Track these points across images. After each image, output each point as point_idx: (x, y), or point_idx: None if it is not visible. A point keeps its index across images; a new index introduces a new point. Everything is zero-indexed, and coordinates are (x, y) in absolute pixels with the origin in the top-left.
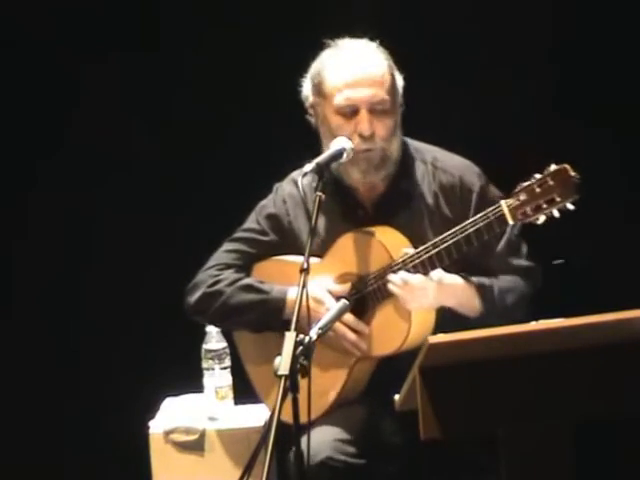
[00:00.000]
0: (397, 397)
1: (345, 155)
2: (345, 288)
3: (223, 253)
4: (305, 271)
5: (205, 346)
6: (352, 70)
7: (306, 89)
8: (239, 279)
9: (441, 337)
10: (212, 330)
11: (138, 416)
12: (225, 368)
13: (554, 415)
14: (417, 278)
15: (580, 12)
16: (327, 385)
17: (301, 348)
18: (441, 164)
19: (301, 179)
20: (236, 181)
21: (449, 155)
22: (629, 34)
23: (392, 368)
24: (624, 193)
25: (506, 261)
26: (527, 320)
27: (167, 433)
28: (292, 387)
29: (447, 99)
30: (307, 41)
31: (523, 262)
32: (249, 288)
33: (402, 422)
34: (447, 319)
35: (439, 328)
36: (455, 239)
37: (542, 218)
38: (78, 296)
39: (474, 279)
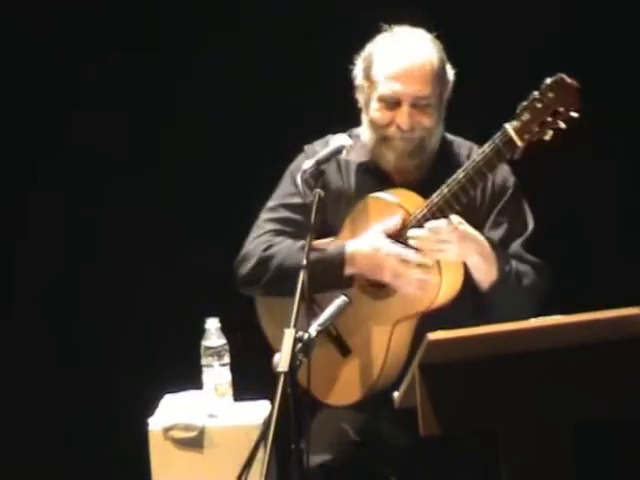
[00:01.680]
0: (396, 394)
1: (345, 152)
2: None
3: (267, 222)
4: (305, 267)
5: (204, 343)
6: (401, 62)
7: (357, 68)
8: (292, 242)
9: (441, 334)
10: (211, 327)
11: (137, 413)
12: (224, 365)
13: (553, 413)
14: (438, 223)
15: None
16: (370, 358)
17: (300, 345)
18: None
19: (300, 175)
20: (237, 183)
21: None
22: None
23: None
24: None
25: (523, 254)
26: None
27: (166, 430)
28: (292, 384)
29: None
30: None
31: (538, 260)
32: (297, 242)
33: (401, 420)
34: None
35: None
36: (467, 175)
37: (549, 133)
38: (78, 295)
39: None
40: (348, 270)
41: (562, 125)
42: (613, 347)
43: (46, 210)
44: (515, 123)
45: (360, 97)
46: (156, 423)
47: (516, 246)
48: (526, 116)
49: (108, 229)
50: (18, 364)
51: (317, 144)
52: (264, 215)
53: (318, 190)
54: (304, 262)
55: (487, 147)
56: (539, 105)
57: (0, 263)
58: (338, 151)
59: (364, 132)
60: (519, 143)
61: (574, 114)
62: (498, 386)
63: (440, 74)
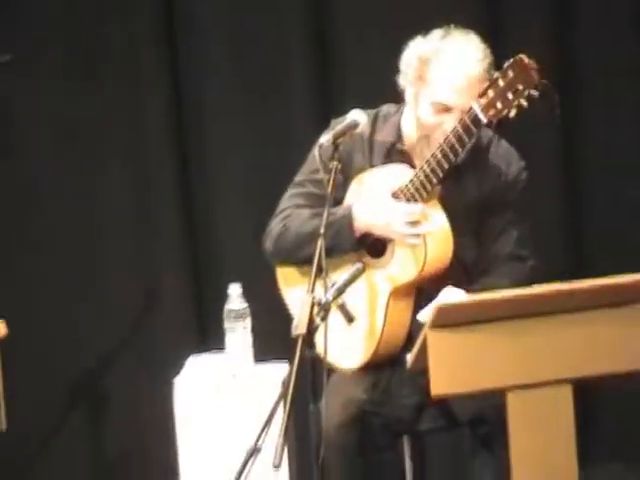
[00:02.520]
0: (408, 357)
1: (360, 128)
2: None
3: (289, 198)
4: (322, 236)
5: (227, 307)
6: (459, 77)
7: (410, 59)
8: (306, 212)
9: (450, 300)
10: (234, 292)
11: (165, 373)
12: (246, 328)
13: (556, 373)
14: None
15: None
16: (371, 325)
17: (317, 309)
18: (496, 150)
19: (317, 149)
20: (265, 154)
21: (503, 144)
22: None
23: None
24: None
25: (516, 251)
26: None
27: (191, 390)
28: (309, 345)
29: None
30: None
31: (529, 254)
32: (317, 215)
33: (410, 381)
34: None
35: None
36: (443, 150)
37: (513, 111)
38: (101, 260)
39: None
40: (356, 227)
41: (524, 103)
42: (611, 312)
43: None
44: (481, 100)
45: (407, 87)
46: (181, 382)
47: (511, 239)
48: (490, 94)
49: (130, 196)
50: (55, 318)
51: (343, 119)
52: (290, 190)
53: (335, 162)
54: (321, 230)
55: (458, 124)
56: (501, 83)
57: None
58: (353, 126)
59: (406, 122)
60: (484, 120)
61: (534, 92)
62: (504, 349)
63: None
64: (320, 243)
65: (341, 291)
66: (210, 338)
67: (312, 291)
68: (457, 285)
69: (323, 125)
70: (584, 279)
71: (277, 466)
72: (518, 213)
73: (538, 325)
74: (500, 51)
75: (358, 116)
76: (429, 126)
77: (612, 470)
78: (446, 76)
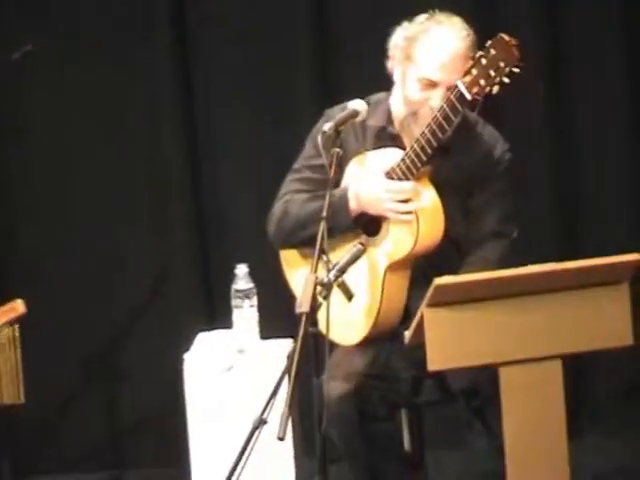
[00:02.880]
0: (406, 333)
1: (360, 116)
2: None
3: (289, 183)
4: (324, 219)
5: (235, 286)
6: (444, 53)
7: (397, 40)
8: (304, 196)
9: (447, 279)
10: (241, 272)
11: (175, 349)
12: (252, 306)
13: (545, 349)
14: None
15: None
16: (369, 301)
17: (322, 284)
18: (481, 132)
19: (320, 137)
20: (270, 139)
21: (488, 127)
22: None
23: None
24: None
25: (499, 230)
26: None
27: (200, 365)
28: (313, 322)
29: None
30: None
31: (512, 232)
32: (313, 198)
33: (410, 355)
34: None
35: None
36: (431, 128)
37: (495, 88)
38: (122, 246)
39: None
40: (352, 207)
41: (505, 79)
42: (597, 290)
43: None
44: (466, 79)
45: (395, 68)
46: (191, 358)
47: (494, 218)
48: (474, 72)
49: (144, 183)
50: (70, 304)
51: (337, 109)
52: (289, 176)
53: (336, 149)
54: (324, 213)
55: (445, 102)
56: (484, 61)
57: None
58: (354, 114)
59: (395, 102)
60: (468, 97)
61: (515, 69)
62: (497, 326)
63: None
64: (322, 225)
65: (343, 271)
66: (218, 316)
67: (315, 271)
68: (448, 260)
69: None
70: (574, 260)
71: (281, 438)
72: (501, 191)
73: (529, 303)
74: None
75: (359, 105)
76: (416, 102)
77: (596, 439)
78: (432, 53)
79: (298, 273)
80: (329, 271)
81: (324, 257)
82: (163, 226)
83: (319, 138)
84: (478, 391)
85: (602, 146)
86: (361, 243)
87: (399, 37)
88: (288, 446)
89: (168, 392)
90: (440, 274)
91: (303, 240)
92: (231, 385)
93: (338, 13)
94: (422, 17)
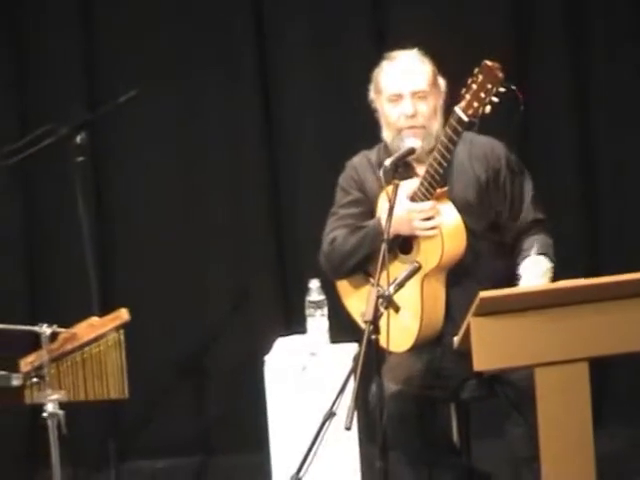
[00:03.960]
0: (455, 339)
1: (416, 153)
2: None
3: (330, 224)
4: (385, 240)
5: (308, 298)
6: (398, 68)
7: (370, 90)
8: (345, 232)
9: (490, 293)
10: (313, 286)
11: (257, 352)
12: (323, 315)
13: (574, 352)
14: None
15: None
16: (412, 312)
17: (381, 300)
18: (476, 140)
19: (382, 172)
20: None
21: (481, 136)
22: None
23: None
24: None
25: (533, 215)
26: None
27: (278, 365)
28: (375, 330)
29: None
30: None
31: (541, 216)
32: (354, 231)
33: (458, 358)
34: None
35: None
36: (439, 151)
37: (487, 107)
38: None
39: None
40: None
41: (495, 99)
42: (626, 303)
43: None
44: (462, 104)
45: (376, 108)
46: (271, 359)
47: (526, 210)
48: (467, 97)
49: (228, 205)
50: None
51: (356, 159)
52: (329, 220)
53: (396, 181)
54: (385, 236)
55: (447, 127)
56: (474, 86)
57: None
58: (412, 152)
59: (385, 135)
60: (465, 119)
61: (501, 89)
62: (533, 333)
63: (432, 75)
64: (384, 247)
65: (401, 285)
66: (294, 324)
67: (377, 285)
68: (477, 260)
69: None
70: (598, 276)
71: (348, 428)
72: (519, 180)
73: (560, 313)
74: None
75: (413, 143)
76: (394, 119)
77: (617, 428)
78: (389, 73)
79: (350, 299)
80: (389, 285)
81: (372, 278)
82: (248, 247)
83: (380, 172)
84: (516, 388)
85: None
86: (416, 261)
87: (371, 83)
88: (354, 435)
89: (251, 389)
90: (473, 274)
91: (350, 268)
92: (305, 383)
93: None
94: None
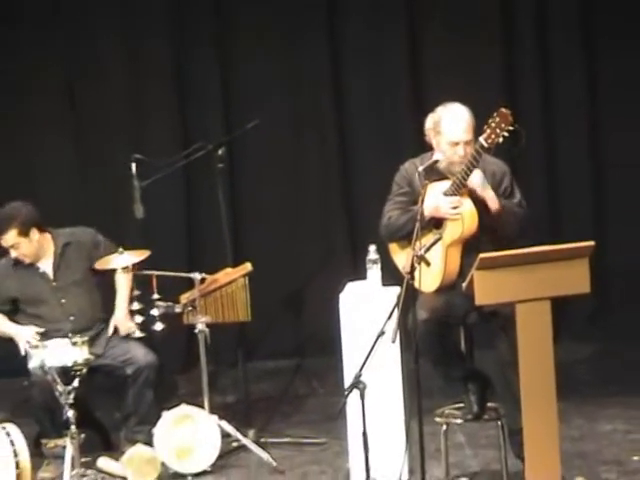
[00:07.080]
0: (464, 284)
1: (439, 163)
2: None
3: (388, 206)
4: (419, 220)
5: (368, 257)
6: (457, 124)
7: (429, 124)
8: (398, 212)
9: (487, 255)
10: (371, 249)
11: (335, 292)
12: (378, 267)
13: (541, 293)
14: (453, 199)
15: None
16: (438, 267)
17: (416, 257)
18: (489, 160)
19: (419, 175)
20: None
21: (493, 157)
22: None
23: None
24: None
25: (512, 193)
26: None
27: (349, 299)
28: (411, 277)
29: None
30: None
31: (517, 198)
32: (403, 212)
33: (465, 298)
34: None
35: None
36: (464, 169)
37: (501, 139)
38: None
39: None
40: (426, 214)
41: (506, 134)
42: (569, 263)
43: None
44: (484, 135)
45: (431, 138)
46: (344, 296)
47: (517, 198)
48: (488, 132)
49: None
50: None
51: (407, 162)
52: (387, 203)
53: (426, 182)
54: (418, 217)
55: (473, 151)
56: (493, 124)
57: None
58: (436, 162)
59: (437, 156)
60: (486, 145)
61: (510, 127)
62: (515, 280)
63: (473, 128)
64: (417, 225)
65: (428, 249)
66: (359, 273)
67: (413, 249)
68: (481, 239)
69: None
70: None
71: (393, 341)
72: (514, 186)
73: (531, 268)
74: None
75: (439, 156)
76: (449, 154)
77: (571, 344)
78: (451, 124)
79: (398, 255)
80: (420, 249)
81: (418, 242)
82: (330, 223)
83: (416, 175)
84: (503, 316)
85: None
86: (439, 234)
87: (429, 123)
88: (396, 348)
89: (332, 314)
90: (480, 247)
91: (399, 237)
92: (366, 312)
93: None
94: (439, 108)
